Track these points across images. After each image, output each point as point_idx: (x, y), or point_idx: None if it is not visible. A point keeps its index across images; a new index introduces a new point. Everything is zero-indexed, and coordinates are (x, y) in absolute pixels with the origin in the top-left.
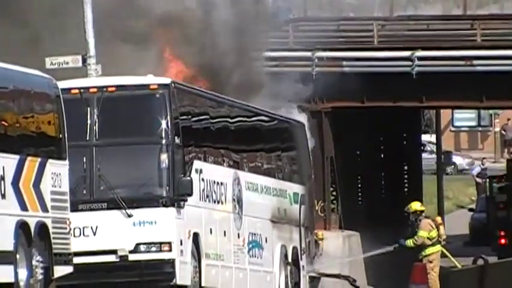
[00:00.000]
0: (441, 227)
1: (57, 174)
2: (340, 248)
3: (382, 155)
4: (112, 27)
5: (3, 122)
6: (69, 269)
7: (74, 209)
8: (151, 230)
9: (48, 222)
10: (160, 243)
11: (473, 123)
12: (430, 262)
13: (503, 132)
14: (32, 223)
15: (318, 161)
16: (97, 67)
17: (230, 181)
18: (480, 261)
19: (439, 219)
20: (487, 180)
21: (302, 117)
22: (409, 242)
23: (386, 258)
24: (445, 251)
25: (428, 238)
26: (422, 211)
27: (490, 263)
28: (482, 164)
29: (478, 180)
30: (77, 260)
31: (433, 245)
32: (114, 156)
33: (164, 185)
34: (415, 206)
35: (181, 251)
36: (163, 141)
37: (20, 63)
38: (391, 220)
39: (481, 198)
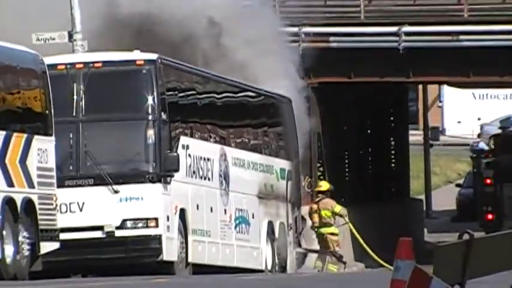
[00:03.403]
0: (314, 214)
1: (44, 150)
2: None
3: (369, 131)
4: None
5: None
6: (55, 245)
7: (61, 185)
8: (138, 206)
9: (35, 198)
10: (147, 219)
11: None
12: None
13: None
14: (18, 199)
15: (304, 137)
16: (83, 43)
17: (217, 157)
18: (466, 236)
19: (314, 206)
20: (475, 155)
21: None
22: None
23: (373, 234)
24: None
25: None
26: (318, 192)
27: (475, 238)
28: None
29: None
30: (63, 236)
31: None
32: (100, 132)
33: (151, 160)
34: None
35: (168, 227)
36: (150, 117)
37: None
38: (378, 196)
39: (468, 174)
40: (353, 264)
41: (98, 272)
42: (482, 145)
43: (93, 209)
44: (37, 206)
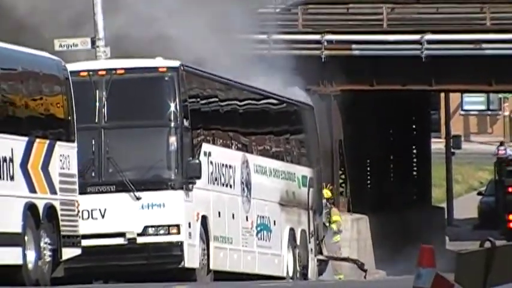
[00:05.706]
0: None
1: (66, 156)
2: (348, 231)
3: (391, 138)
4: None
5: (12, 104)
6: (77, 252)
7: (83, 191)
8: (160, 212)
9: (57, 204)
10: (169, 225)
11: (483, 107)
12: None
13: None
14: (41, 205)
15: (326, 144)
16: (106, 49)
17: (239, 164)
18: (487, 244)
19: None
20: (496, 163)
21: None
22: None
23: (394, 241)
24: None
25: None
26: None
27: (497, 246)
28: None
29: None
30: (85, 242)
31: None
32: (122, 139)
33: (173, 167)
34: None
35: (190, 234)
36: (172, 124)
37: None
38: (399, 203)
39: (490, 182)
40: (374, 271)
41: (119, 279)
42: (510, 152)
43: (115, 216)
44: (59, 212)
